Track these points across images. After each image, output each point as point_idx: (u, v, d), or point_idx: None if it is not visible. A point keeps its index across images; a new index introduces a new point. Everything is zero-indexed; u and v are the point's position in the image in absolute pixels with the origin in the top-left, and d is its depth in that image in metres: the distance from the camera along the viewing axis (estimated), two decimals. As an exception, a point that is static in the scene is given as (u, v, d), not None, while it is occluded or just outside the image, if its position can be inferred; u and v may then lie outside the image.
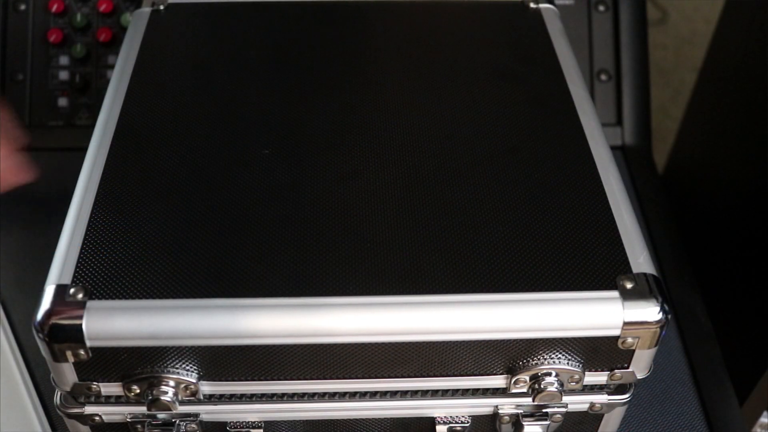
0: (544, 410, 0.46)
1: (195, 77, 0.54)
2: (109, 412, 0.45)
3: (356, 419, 0.47)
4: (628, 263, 0.42)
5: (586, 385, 0.44)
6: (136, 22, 0.58)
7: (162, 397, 0.42)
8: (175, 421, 0.45)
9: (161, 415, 0.45)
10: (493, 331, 0.41)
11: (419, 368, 0.43)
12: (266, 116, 0.51)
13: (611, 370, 0.44)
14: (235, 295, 0.40)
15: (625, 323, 0.40)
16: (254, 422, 0.46)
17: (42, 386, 0.57)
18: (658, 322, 0.41)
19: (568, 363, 0.42)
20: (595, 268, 0.42)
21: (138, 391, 0.42)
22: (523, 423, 0.46)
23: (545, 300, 0.41)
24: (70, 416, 0.46)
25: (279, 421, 0.47)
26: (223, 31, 0.58)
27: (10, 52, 0.74)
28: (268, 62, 0.55)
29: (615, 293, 0.41)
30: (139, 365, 0.41)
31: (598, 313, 0.41)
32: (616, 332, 0.41)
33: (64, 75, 0.74)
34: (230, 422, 0.46)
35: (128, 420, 0.45)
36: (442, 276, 0.41)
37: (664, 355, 0.62)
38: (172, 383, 0.42)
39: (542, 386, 0.43)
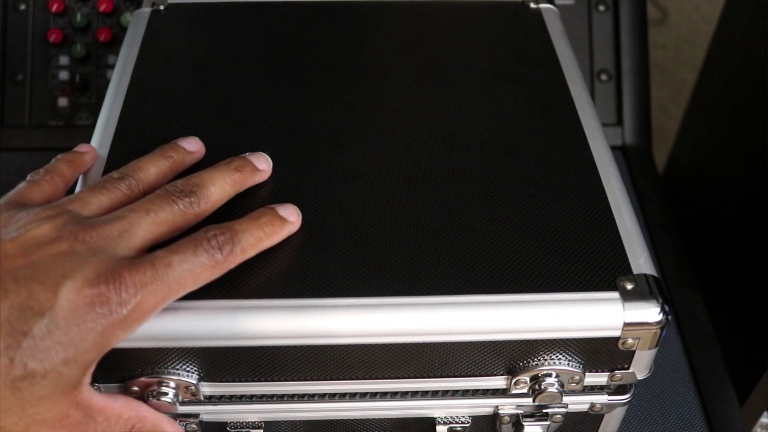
0: (544, 410, 0.46)
1: (195, 77, 0.54)
2: (109, 413, 0.45)
3: (356, 419, 0.47)
4: (628, 264, 0.42)
5: (586, 386, 0.44)
6: (136, 22, 0.58)
7: (162, 399, 0.42)
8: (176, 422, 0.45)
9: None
10: (494, 332, 0.41)
11: (419, 369, 0.43)
12: (266, 117, 0.51)
13: (611, 370, 0.44)
14: (235, 297, 0.40)
15: (626, 324, 0.40)
16: (254, 422, 0.46)
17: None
18: (658, 323, 0.41)
19: (568, 364, 0.42)
20: (596, 269, 0.42)
21: (138, 392, 0.42)
22: (524, 423, 0.46)
23: (545, 301, 0.41)
24: (71, 416, 0.46)
25: (279, 422, 0.47)
26: (224, 31, 0.58)
27: (10, 52, 0.74)
28: (269, 63, 0.55)
29: (615, 294, 0.41)
30: (139, 366, 0.41)
31: (598, 314, 0.41)
32: (617, 333, 0.41)
33: (64, 75, 0.74)
34: (230, 422, 0.46)
35: (128, 420, 0.45)
36: (442, 277, 0.41)
37: (664, 355, 0.62)
38: (172, 384, 0.42)
39: (542, 387, 0.43)
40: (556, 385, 0.43)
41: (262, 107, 0.51)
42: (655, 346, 0.42)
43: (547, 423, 0.46)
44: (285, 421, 0.47)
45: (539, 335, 0.41)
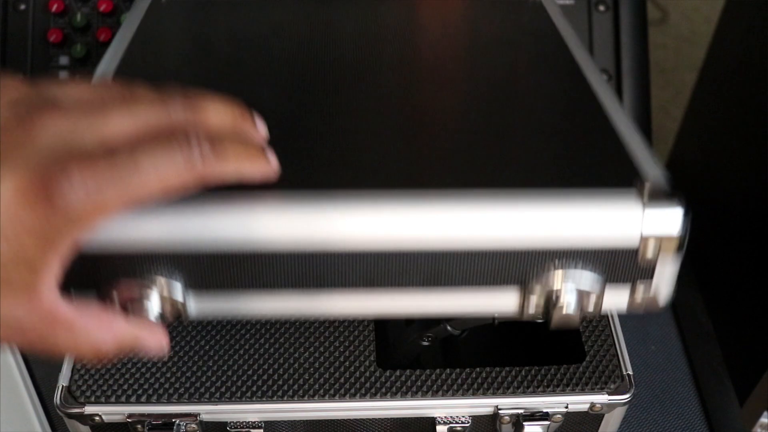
0: (544, 410, 0.46)
1: (193, 54, 0.52)
2: (109, 412, 0.45)
3: (356, 419, 0.47)
4: (642, 171, 0.40)
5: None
6: (135, 9, 0.58)
7: (144, 314, 0.37)
8: (175, 421, 0.45)
9: (160, 413, 0.45)
10: (506, 232, 0.37)
11: (425, 277, 0.39)
12: (264, 109, 0.50)
13: (633, 282, 0.40)
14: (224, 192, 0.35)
15: (645, 231, 0.38)
16: (254, 422, 0.46)
17: (42, 386, 0.57)
18: (681, 223, 0.38)
19: (585, 268, 0.39)
20: (611, 175, 0.40)
21: (117, 302, 0.37)
22: (524, 423, 0.46)
23: (561, 200, 0.37)
24: (70, 416, 0.46)
25: (279, 421, 0.47)
26: (223, 21, 0.58)
27: (10, 52, 0.74)
28: (268, 55, 0.55)
29: (633, 195, 0.38)
30: (118, 275, 0.37)
31: (617, 216, 0.37)
32: (636, 239, 0.38)
33: (64, 75, 0.74)
34: (230, 422, 0.46)
35: (128, 420, 0.45)
36: (445, 171, 0.39)
37: (664, 355, 0.62)
38: (154, 291, 0.37)
39: (558, 302, 0.38)
40: (574, 304, 0.38)
41: (261, 100, 0.51)
42: (679, 251, 0.38)
43: (548, 423, 0.46)
44: (285, 421, 0.47)
45: (554, 241, 0.37)
